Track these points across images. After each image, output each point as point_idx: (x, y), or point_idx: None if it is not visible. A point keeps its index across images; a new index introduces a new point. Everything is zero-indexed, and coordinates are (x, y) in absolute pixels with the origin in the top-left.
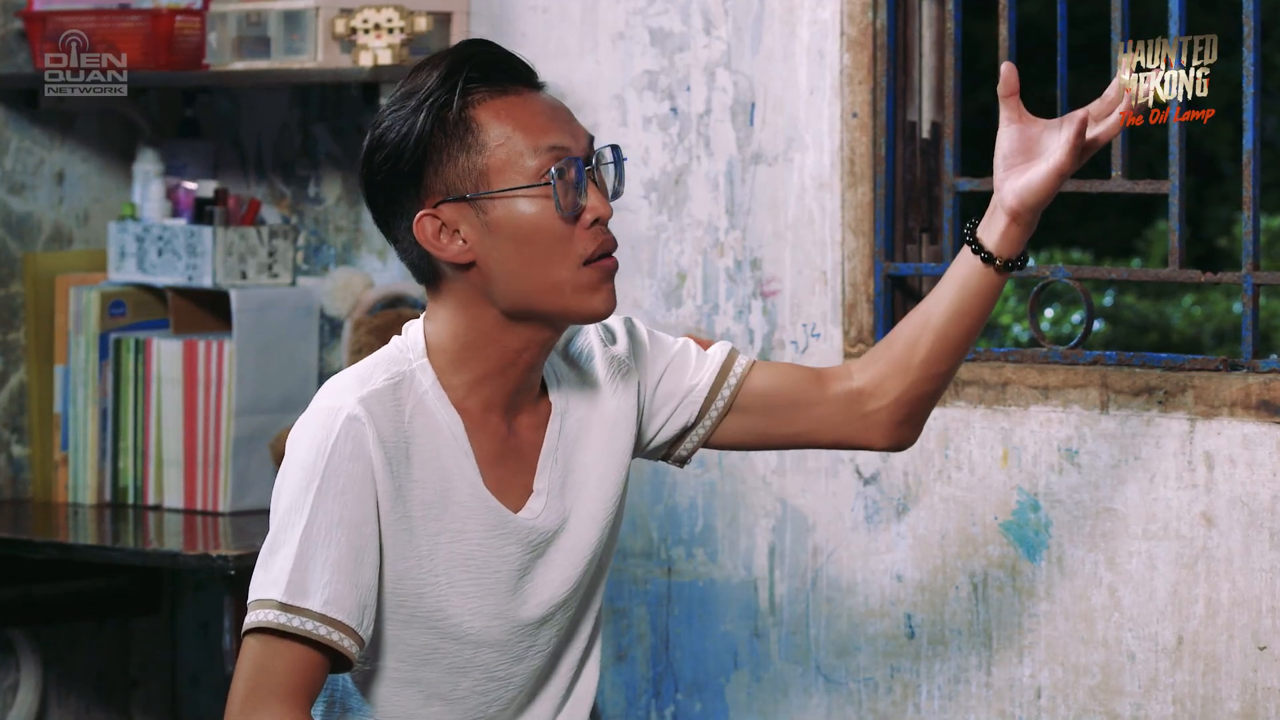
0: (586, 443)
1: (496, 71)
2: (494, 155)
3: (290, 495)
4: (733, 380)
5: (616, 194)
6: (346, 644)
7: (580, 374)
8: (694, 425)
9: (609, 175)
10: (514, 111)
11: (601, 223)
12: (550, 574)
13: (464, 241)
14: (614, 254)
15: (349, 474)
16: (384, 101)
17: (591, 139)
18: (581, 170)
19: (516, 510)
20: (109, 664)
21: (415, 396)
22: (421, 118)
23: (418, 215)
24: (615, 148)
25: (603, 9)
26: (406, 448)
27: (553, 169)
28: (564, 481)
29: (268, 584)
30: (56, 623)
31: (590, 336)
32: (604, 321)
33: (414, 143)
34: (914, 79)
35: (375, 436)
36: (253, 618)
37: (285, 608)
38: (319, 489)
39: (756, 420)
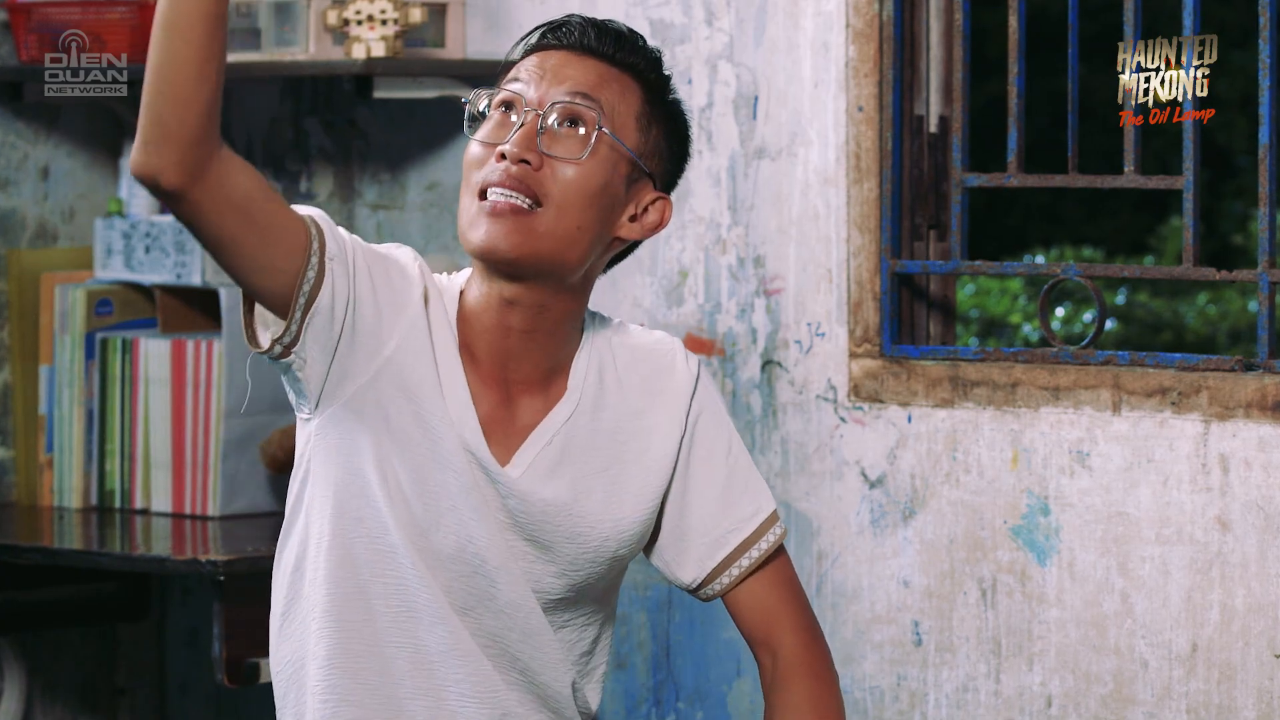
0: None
1: (572, 34)
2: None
3: None
4: (725, 580)
5: (574, 157)
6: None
7: (643, 392)
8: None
9: (580, 137)
10: (529, 59)
11: (504, 158)
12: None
13: None
14: (508, 193)
15: (389, 265)
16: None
17: (582, 97)
18: (524, 112)
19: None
20: (95, 672)
21: (444, 306)
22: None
23: None
24: (600, 122)
25: (602, 0)
26: (439, 321)
27: (473, 93)
28: (558, 465)
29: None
30: (41, 630)
31: (677, 366)
32: (708, 386)
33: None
34: (921, 72)
35: (433, 285)
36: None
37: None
38: (367, 245)
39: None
